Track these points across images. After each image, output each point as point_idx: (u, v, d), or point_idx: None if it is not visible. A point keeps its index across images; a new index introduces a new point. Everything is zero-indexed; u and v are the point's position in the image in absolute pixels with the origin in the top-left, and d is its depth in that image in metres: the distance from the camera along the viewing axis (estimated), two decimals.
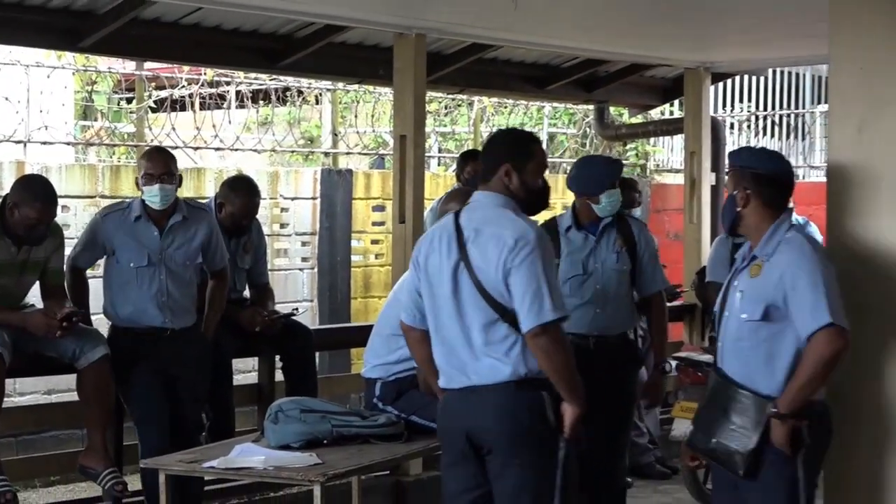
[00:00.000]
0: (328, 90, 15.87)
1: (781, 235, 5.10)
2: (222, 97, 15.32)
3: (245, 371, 9.43)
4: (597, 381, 6.71)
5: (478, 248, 5.12)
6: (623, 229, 6.98)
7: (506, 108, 17.66)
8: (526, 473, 5.15)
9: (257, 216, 8.06)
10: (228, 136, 14.35)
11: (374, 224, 14.20)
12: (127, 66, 14.94)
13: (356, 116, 16.34)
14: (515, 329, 5.09)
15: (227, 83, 15.16)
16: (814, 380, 4.96)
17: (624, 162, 18.01)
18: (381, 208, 14.12)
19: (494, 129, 17.72)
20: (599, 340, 6.85)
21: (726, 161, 12.53)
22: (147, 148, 9.00)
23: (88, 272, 7.24)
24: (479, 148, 14.01)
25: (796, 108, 18.14)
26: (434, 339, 5.32)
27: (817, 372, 4.94)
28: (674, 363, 8.90)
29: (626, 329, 7.04)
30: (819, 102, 18.04)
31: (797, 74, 18.54)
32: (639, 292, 7.08)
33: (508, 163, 5.23)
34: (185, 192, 11.32)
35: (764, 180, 5.15)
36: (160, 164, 7.05)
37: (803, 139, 17.62)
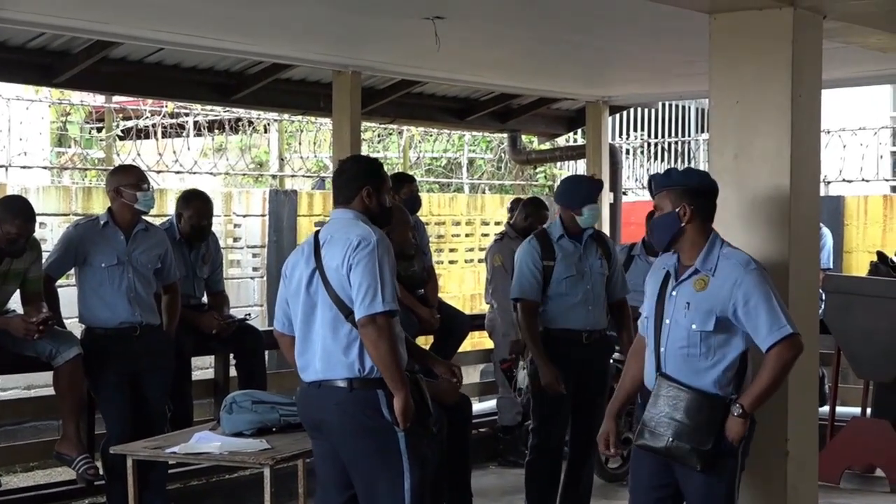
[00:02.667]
0: (275, 120, 15.83)
1: (718, 250, 5.01)
2: (182, 126, 15.25)
3: (202, 368, 9.37)
4: (588, 372, 6.86)
5: (329, 254, 5.11)
6: (600, 241, 7.08)
7: (431, 136, 17.69)
8: (372, 463, 5.07)
9: (213, 231, 8.05)
10: (187, 161, 14.28)
11: None
12: (97, 99, 14.85)
13: (300, 143, 16.32)
14: (357, 328, 5.03)
15: (186, 114, 15.09)
16: (777, 383, 4.98)
17: (533, 184, 18.17)
18: (322, 224, 14.05)
19: (422, 154, 17.80)
20: (590, 335, 6.94)
21: (644, 183, 12.70)
22: (120, 166, 8.93)
23: (62, 283, 7.20)
24: (408, 171, 14.07)
25: (683, 136, 18.30)
26: (296, 339, 5.25)
27: (780, 377, 4.96)
28: None
29: (604, 327, 7.12)
30: (702, 131, 18.21)
31: (683, 107, 18.70)
32: (609, 297, 7.13)
33: (369, 185, 5.25)
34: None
35: (701, 195, 5.08)
36: (144, 176, 7.10)
37: (689, 163, 17.78)
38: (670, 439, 4.90)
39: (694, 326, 4.92)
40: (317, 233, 5.29)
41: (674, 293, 5.00)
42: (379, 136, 17.96)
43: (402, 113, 11.30)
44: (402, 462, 5.04)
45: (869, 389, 9.18)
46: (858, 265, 11.33)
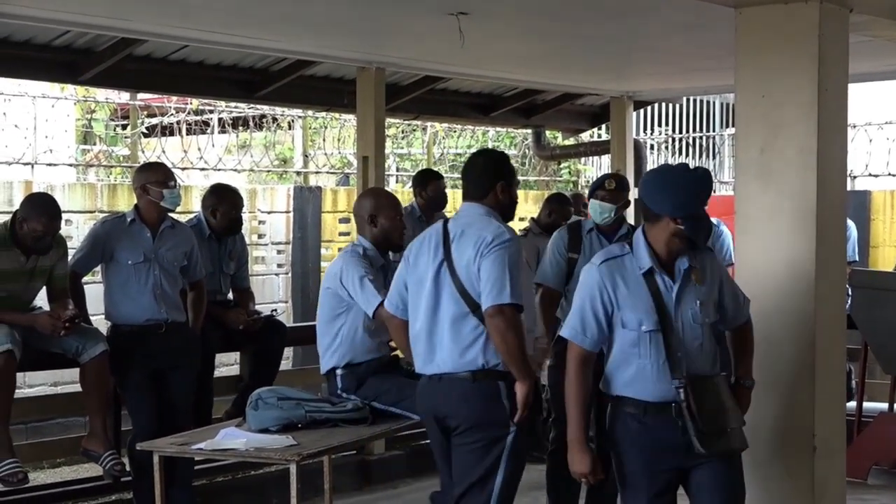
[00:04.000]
0: (299, 117, 15.85)
1: None
2: (206, 123, 15.27)
3: (227, 364, 9.41)
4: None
5: (459, 248, 5.16)
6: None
7: (455, 132, 17.67)
8: (478, 453, 5.15)
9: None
10: (212, 158, 14.31)
11: (340, 234, 14.18)
12: (122, 96, 14.89)
13: (324, 140, 16.31)
14: (482, 323, 5.10)
15: (211, 111, 15.10)
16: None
17: (557, 179, 18.14)
18: (346, 220, 14.08)
19: (445, 150, 17.79)
20: None
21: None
22: (146, 163, 8.96)
23: (88, 280, 7.22)
24: (433, 167, 14.06)
25: (707, 131, 18.22)
26: (412, 328, 5.33)
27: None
28: None
29: None
30: (727, 126, 18.14)
31: (708, 102, 18.62)
32: None
33: (502, 181, 5.30)
34: None
35: None
36: (170, 174, 7.13)
37: (713, 158, 17.72)
38: (731, 429, 4.78)
39: (707, 320, 4.81)
40: (445, 223, 5.31)
41: (684, 297, 4.77)
42: (403, 132, 17.96)
43: (426, 109, 11.30)
44: (503, 455, 5.14)
45: None
46: (885, 260, 11.29)
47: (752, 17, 5.89)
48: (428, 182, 9.05)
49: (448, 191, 11.70)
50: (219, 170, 14.34)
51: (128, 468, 6.93)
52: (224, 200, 7.85)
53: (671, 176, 4.77)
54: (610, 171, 11.33)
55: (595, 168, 18.15)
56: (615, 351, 4.79)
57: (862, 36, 6.63)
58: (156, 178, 7.00)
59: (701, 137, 17.99)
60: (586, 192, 15.99)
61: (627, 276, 4.73)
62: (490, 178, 5.31)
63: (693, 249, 4.78)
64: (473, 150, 18.61)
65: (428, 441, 5.59)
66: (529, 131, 13.59)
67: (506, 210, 5.33)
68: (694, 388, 4.67)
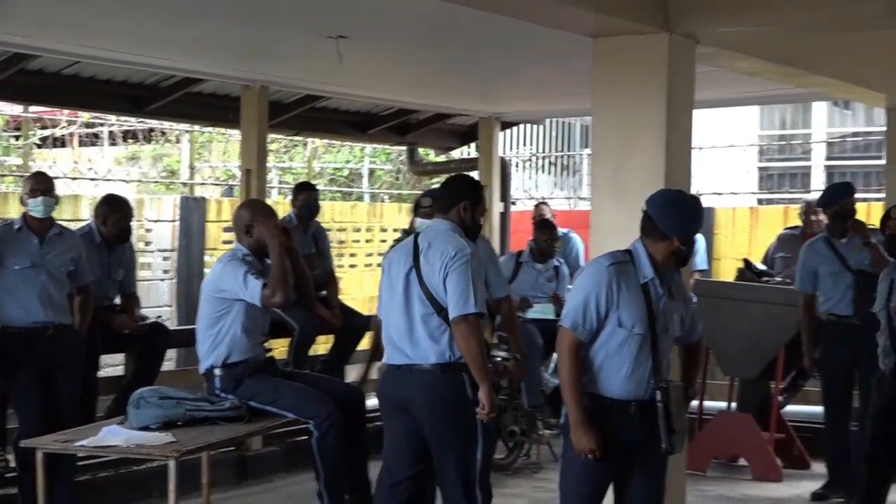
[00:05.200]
0: (187, 131, 15.65)
1: None
2: (97, 136, 15.01)
3: (112, 364, 9.22)
4: None
5: (427, 258, 5.42)
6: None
7: (334, 148, 17.62)
8: (452, 436, 5.41)
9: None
10: (102, 169, 14.05)
11: (223, 242, 13.95)
12: (15, 108, 14.53)
13: (210, 153, 16.14)
14: (447, 322, 5.33)
15: (101, 124, 14.84)
16: None
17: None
18: (230, 229, 13.86)
19: (325, 165, 17.69)
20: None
21: (511, 193, 12.80)
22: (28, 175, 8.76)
23: None
24: (312, 181, 13.97)
25: (569, 150, 18.45)
26: (386, 326, 5.56)
27: None
28: None
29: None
30: (586, 146, 18.36)
31: (569, 123, 18.84)
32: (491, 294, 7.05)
33: (467, 200, 5.55)
34: (65, 215, 11.07)
35: None
36: (43, 181, 6.96)
37: (573, 176, 17.91)
38: (683, 433, 4.91)
39: (678, 333, 5.02)
40: (416, 237, 5.59)
41: (662, 310, 4.88)
42: (285, 147, 17.84)
43: (307, 126, 11.22)
44: (477, 435, 5.39)
45: (734, 386, 9.33)
46: (727, 271, 11.49)
47: (607, 47, 5.97)
48: (299, 193, 9.09)
49: (326, 203, 11.64)
50: (108, 180, 14.08)
51: (13, 465, 6.74)
52: (115, 210, 7.75)
53: (683, 202, 4.93)
54: (424, 193, 11.36)
55: None
56: (595, 347, 4.88)
57: (708, 66, 6.75)
58: (26, 188, 6.91)
59: (562, 156, 18.18)
60: None
61: (629, 280, 4.85)
62: (456, 197, 5.59)
63: (681, 266, 4.96)
64: (351, 164, 18.63)
65: (303, 438, 5.55)
66: (404, 148, 13.57)
67: (467, 228, 5.57)
68: (669, 391, 4.82)
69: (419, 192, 18.11)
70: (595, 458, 4.80)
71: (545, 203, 11.00)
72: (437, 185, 7.92)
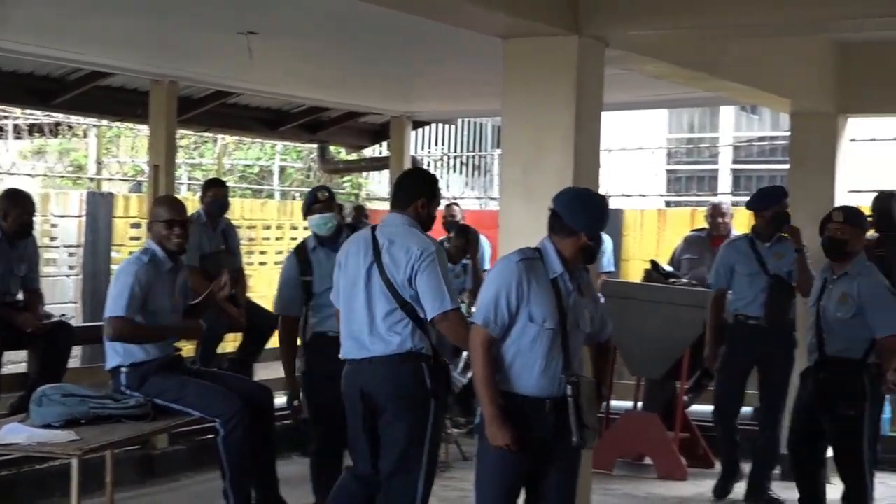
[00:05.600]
0: (95, 126, 15.44)
1: None
2: (1, 129, 14.74)
3: (15, 362, 9.07)
4: None
5: (391, 254, 5.46)
6: None
7: (245, 144, 17.50)
8: (406, 426, 5.45)
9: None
10: (6, 163, 13.81)
11: (131, 238, 13.82)
12: None
13: (118, 148, 15.95)
14: (409, 316, 5.41)
15: (5, 117, 14.58)
16: None
17: (340, 192, 18.12)
18: (137, 226, 13.73)
19: (235, 162, 17.57)
20: None
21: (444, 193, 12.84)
22: None
23: None
24: (222, 178, 13.87)
25: (480, 150, 18.50)
26: (347, 321, 5.60)
27: None
28: None
29: None
30: (498, 147, 18.43)
31: (481, 124, 18.90)
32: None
33: (424, 197, 5.58)
34: None
35: None
36: None
37: (485, 176, 17.99)
38: (591, 429, 4.92)
39: (588, 329, 5.03)
40: (373, 230, 5.60)
41: (574, 302, 4.93)
42: (195, 143, 17.69)
43: (217, 122, 11.15)
44: (428, 427, 5.47)
45: (640, 385, 9.45)
46: (635, 272, 11.62)
47: (517, 48, 6.01)
48: (208, 189, 9.04)
49: (236, 200, 11.55)
50: (13, 174, 13.85)
51: None
52: (16, 205, 7.62)
53: (586, 198, 4.98)
54: (318, 187, 11.36)
55: (376, 182, 18.22)
56: (507, 345, 4.91)
57: (617, 69, 6.82)
58: None
59: (474, 156, 18.24)
60: (367, 203, 16.11)
61: (539, 276, 4.88)
62: (414, 192, 5.61)
63: (589, 263, 5.01)
64: (262, 161, 18.52)
65: (210, 436, 5.51)
66: (315, 146, 13.53)
67: (424, 223, 5.60)
68: (580, 385, 4.85)
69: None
70: (511, 452, 4.83)
71: (456, 203, 11.05)
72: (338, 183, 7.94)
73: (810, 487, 6.89)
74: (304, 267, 6.69)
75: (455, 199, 11.77)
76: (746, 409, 10.04)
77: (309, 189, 8.00)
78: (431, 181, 5.79)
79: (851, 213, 6.66)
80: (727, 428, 8.19)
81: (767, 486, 8.13)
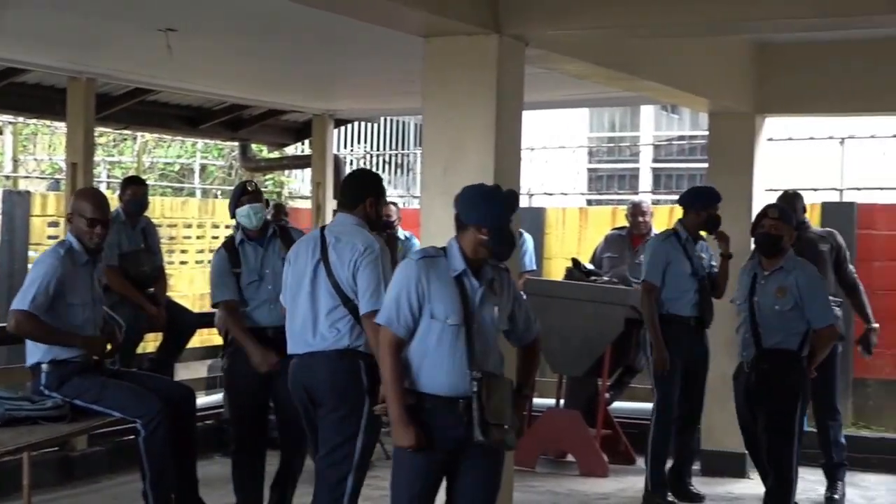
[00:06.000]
0: (10, 123, 15.21)
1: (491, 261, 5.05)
2: None
3: None
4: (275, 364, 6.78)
5: (337, 251, 5.58)
6: (284, 237, 6.92)
7: (165, 142, 17.35)
8: (339, 421, 5.55)
9: None
10: None
11: (49, 237, 13.63)
12: None
13: (35, 146, 15.73)
14: (351, 313, 5.52)
15: None
16: None
17: (262, 189, 18.03)
18: (55, 224, 13.57)
19: (155, 160, 17.39)
20: (277, 330, 6.68)
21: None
22: None
23: None
24: (142, 175, 13.74)
25: (403, 149, 18.51)
26: (292, 316, 5.72)
27: None
28: None
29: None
30: (420, 145, 18.42)
31: (404, 122, 18.92)
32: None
33: (372, 197, 5.67)
34: None
35: None
36: None
37: (407, 174, 18.00)
38: (506, 427, 4.88)
39: (500, 326, 5.01)
40: (322, 229, 5.73)
41: (481, 298, 4.92)
42: (114, 140, 17.49)
43: (137, 120, 11.01)
44: (361, 424, 5.54)
45: (562, 383, 9.52)
46: (557, 271, 11.69)
47: (438, 47, 6.03)
48: (127, 187, 8.95)
49: (156, 198, 11.44)
50: None
51: None
52: None
53: (481, 192, 4.98)
54: (246, 180, 11.37)
55: (298, 181, 18.15)
56: (415, 343, 4.91)
57: (538, 68, 6.87)
58: None
59: (397, 155, 18.25)
60: (290, 202, 16.01)
61: (440, 273, 4.89)
62: (362, 192, 5.70)
63: (498, 258, 4.96)
64: (183, 160, 18.36)
65: (130, 437, 5.46)
66: (236, 144, 13.44)
67: (372, 222, 5.71)
68: (486, 382, 4.83)
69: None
70: (422, 453, 4.83)
71: (394, 203, 10.99)
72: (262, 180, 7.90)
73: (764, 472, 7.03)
74: (234, 259, 6.74)
75: (392, 200, 11.71)
76: (641, 405, 10.17)
77: (232, 187, 7.97)
78: (377, 180, 5.87)
79: (785, 210, 6.92)
80: (666, 427, 8.02)
81: (689, 480, 8.23)
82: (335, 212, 8.68)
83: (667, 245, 7.96)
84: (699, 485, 8.38)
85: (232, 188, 17.39)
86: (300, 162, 13.67)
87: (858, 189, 11.42)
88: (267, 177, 17.84)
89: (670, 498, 7.98)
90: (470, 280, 4.91)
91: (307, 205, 14.73)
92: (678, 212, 12.13)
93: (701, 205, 7.95)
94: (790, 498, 6.87)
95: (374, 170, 17.82)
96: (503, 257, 4.99)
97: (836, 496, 8.15)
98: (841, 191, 11.63)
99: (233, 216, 6.86)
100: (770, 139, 9.92)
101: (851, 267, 8.41)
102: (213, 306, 7.00)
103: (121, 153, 17.82)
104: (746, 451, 7.45)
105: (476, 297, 4.91)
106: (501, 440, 4.89)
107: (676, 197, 14.36)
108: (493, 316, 4.94)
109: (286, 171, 17.48)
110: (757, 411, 6.78)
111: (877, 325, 8.32)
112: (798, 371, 6.70)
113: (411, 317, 4.88)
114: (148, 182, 10.01)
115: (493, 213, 4.89)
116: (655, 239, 8.19)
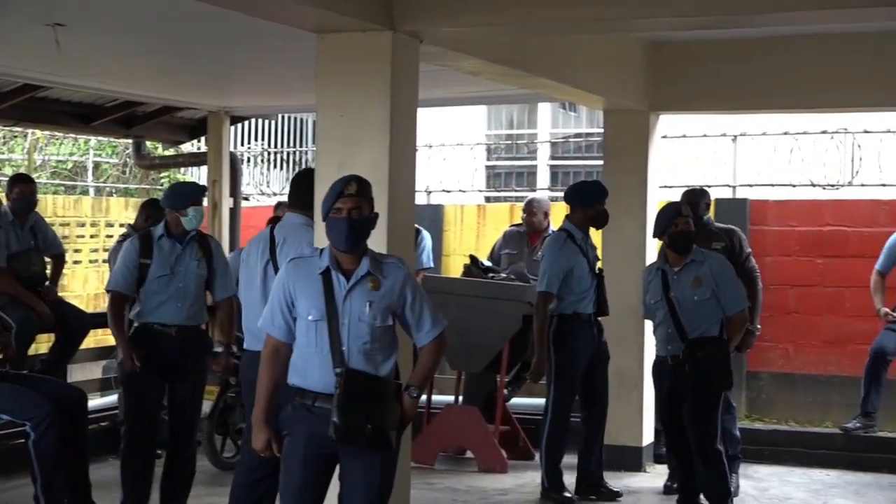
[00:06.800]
0: None
1: (381, 257, 5.04)
2: None
3: None
4: (175, 364, 6.81)
5: (284, 252, 5.79)
6: (202, 242, 6.97)
7: (57, 139, 17.05)
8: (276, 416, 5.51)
9: None
10: None
11: None
12: None
13: None
14: None
15: None
16: (437, 367, 5.22)
17: (158, 188, 17.83)
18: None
19: (47, 157, 17.10)
20: (180, 329, 6.84)
21: (243, 189, 12.73)
22: None
23: None
24: (33, 174, 13.49)
25: (301, 146, 18.41)
26: (244, 312, 6.08)
27: (439, 361, 5.19)
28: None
29: (201, 322, 7.11)
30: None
31: (302, 119, 18.82)
32: (213, 296, 7.10)
33: None
34: None
35: None
36: None
37: None
38: (369, 427, 4.82)
39: (377, 323, 4.91)
40: (272, 229, 5.96)
41: (347, 293, 4.89)
42: (3, 138, 17.15)
43: (27, 116, 10.82)
44: None
45: (461, 379, 9.56)
46: (455, 267, 11.73)
47: (332, 43, 6.01)
48: (14, 185, 8.83)
49: (48, 197, 11.24)
50: None
51: None
52: None
53: (331, 186, 4.96)
54: (206, 182, 11.34)
55: (195, 178, 17.95)
56: (296, 342, 4.95)
57: (433, 65, 6.88)
58: None
59: (295, 152, 18.12)
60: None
61: (310, 273, 4.91)
62: (310, 193, 5.83)
63: (343, 250, 4.86)
64: (75, 157, 18.07)
65: (20, 441, 5.36)
66: (130, 141, 13.26)
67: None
68: (348, 380, 4.78)
69: (147, 186, 17.79)
70: (297, 447, 4.86)
71: (287, 204, 10.92)
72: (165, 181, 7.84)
73: (689, 478, 7.13)
74: (144, 250, 6.80)
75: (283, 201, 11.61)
76: (539, 401, 10.26)
77: (127, 185, 7.89)
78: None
79: (690, 207, 7.28)
80: (564, 426, 8.10)
81: (603, 478, 8.24)
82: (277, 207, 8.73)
83: (566, 251, 7.92)
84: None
85: (126, 186, 17.18)
86: (196, 159, 13.52)
87: (751, 186, 11.61)
88: (162, 174, 17.64)
89: (567, 494, 8.04)
90: (338, 277, 4.90)
91: (204, 203, 14.57)
92: None
93: (587, 202, 7.97)
94: (727, 477, 7.15)
95: (273, 168, 17.76)
96: (340, 246, 4.88)
97: (731, 488, 8.28)
98: (734, 187, 11.82)
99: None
100: (665, 136, 10.06)
101: (753, 264, 8.54)
102: (108, 290, 7.03)
103: (11, 151, 17.48)
104: (666, 449, 7.66)
105: (342, 293, 4.88)
106: (364, 444, 4.83)
107: None
108: (363, 312, 4.88)
109: (182, 169, 17.28)
110: (691, 400, 6.91)
111: (759, 329, 8.51)
112: (728, 354, 7.01)
113: (283, 319, 4.93)
114: (40, 180, 9.86)
115: (323, 205, 4.92)
116: (553, 245, 8.02)
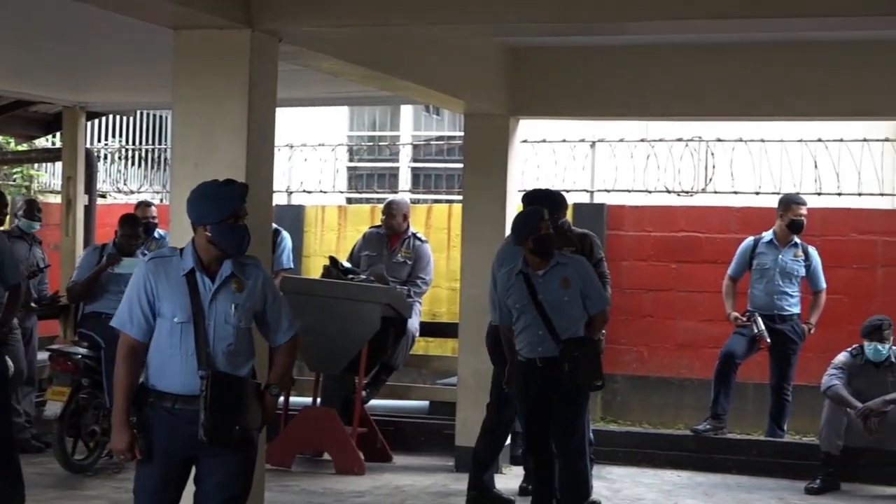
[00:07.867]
0: None
1: (240, 258, 4.98)
2: None
3: None
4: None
5: None
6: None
7: None
8: None
9: None
10: None
11: None
12: None
13: None
14: None
15: None
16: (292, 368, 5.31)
17: (10, 184, 17.35)
18: None
19: None
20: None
21: (100, 186, 12.48)
22: None
23: None
24: None
25: (160, 143, 18.08)
26: None
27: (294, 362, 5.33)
28: (47, 354, 8.72)
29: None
30: None
31: (161, 116, 18.50)
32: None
33: None
34: None
35: None
36: None
37: (164, 170, 17.62)
38: (237, 428, 4.84)
39: (242, 324, 4.92)
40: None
41: (213, 295, 4.87)
42: None
43: None
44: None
45: (319, 381, 9.50)
46: (316, 269, 11.66)
47: (189, 40, 5.93)
48: None
49: None
50: None
51: None
52: None
53: (202, 191, 4.92)
54: (61, 178, 11.08)
55: (49, 174, 17.52)
56: (153, 342, 4.88)
57: (293, 64, 6.83)
58: None
59: (154, 149, 17.80)
60: (40, 196, 15.44)
61: (171, 273, 4.85)
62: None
63: (228, 254, 4.88)
64: None
65: None
66: None
67: None
68: (215, 382, 4.77)
69: None
70: (143, 458, 4.85)
71: (148, 204, 10.69)
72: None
73: (549, 479, 7.14)
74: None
75: (147, 200, 11.31)
76: (423, 403, 10.31)
77: None
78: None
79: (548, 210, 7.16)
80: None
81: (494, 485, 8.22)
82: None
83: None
84: (452, 481, 8.50)
85: None
86: (50, 155, 13.23)
87: (608, 191, 11.78)
88: (15, 170, 17.16)
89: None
90: (203, 279, 4.89)
91: (59, 199, 14.24)
92: (436, 211, 12.35)
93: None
94: (588, 477, 7.32)
95: (131, 165, 17.44)
96: (232, 252, 4.92)
97: (590, 488, 8.37)
98: (592, 192, 11.98)
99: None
100: (525, 141, 10.15)
101: (605, 269, 8.52)
102: None
103: None
104: (523, 451, 7.67)
105: (208, 295, 4.87)
106: (232, 444, 4.84)
107: (434, 196, 14.57)
108: (229, 313, 4.89)
109: (35, 165, 16.85)
110: (563, 400, 6.92)
111: (604, 334, 8.55)
112: (599, 353, 7.12)
113: (144, 318, 4.88)
114: None
115: (214, 210, 4.86)
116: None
